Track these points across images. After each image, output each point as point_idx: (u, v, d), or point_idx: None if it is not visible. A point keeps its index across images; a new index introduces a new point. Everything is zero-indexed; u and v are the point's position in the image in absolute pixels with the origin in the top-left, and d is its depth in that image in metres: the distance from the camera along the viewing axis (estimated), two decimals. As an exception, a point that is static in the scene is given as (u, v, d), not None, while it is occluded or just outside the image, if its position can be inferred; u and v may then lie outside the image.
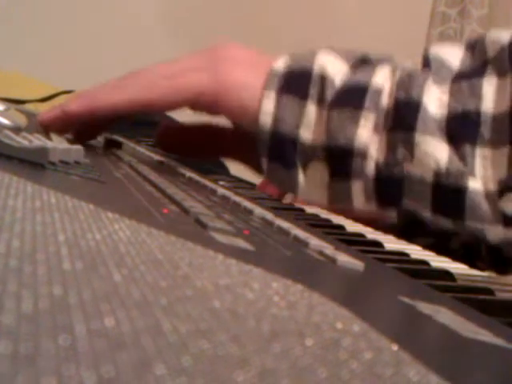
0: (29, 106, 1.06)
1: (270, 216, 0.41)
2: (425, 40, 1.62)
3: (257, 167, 0.66)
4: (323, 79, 0.60)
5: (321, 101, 0.59)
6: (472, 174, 0.55)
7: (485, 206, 0.55)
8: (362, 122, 0.57)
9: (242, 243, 0.29)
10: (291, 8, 1.76)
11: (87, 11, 1.62)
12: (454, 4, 1.61)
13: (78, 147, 0.43)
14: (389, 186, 0.58)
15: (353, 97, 0.58)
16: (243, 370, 0.13)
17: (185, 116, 1.26)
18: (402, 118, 0.56)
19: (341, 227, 0.57)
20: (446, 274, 0.40)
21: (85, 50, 1.58)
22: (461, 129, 0.56)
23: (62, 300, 0.14)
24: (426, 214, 0.58)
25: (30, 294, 0.14)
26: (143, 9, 1.69)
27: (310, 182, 0.62)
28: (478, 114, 0.55)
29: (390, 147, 0.57)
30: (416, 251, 0.50)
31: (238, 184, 0.79)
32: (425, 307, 0.25)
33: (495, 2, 1.60)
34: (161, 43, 1.66)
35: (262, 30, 1.70)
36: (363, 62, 0.62)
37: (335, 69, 0.60)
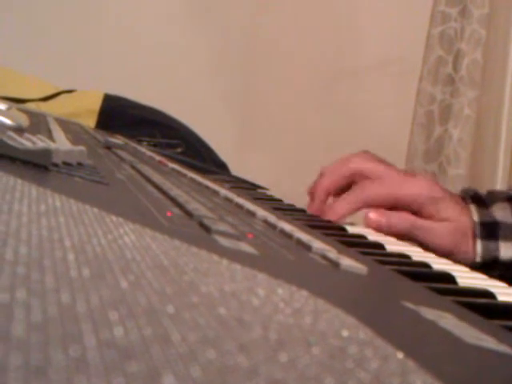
0: (30, 105, 1.05)
1: (272, 218, 0.41)
2: (425, 39, 1.62)
3: None
4: None
5: None
6: None
7: None
8: None
9: (245, 247, 0.29)
10: (293, 5, 1.76)
11: (89, 9, 1.62)
12: (454, 3, 1.61)
13: (81, 148, 0.43)
14: None
15: None
16: (252, 382, 0.13)
17: (184, 114, 1.26)
18: None
19: (342, 228, 0.57)
20: (447, 277, 0.41)
21: (86, 48, 1.58)
22: None
23: (70, 308, 0.14)
24: None
25: (38, 303, 0.14)
26: (143, 5, 1.68)
27: None
28: None
29: None
30: (417, 253, 0.50)
31: (239, 184, 0.79)
32: (428, 313, 0.25)
33: (496, 2, 1.59)
34: (160, 42, 1.66)
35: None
36: None
37: None
